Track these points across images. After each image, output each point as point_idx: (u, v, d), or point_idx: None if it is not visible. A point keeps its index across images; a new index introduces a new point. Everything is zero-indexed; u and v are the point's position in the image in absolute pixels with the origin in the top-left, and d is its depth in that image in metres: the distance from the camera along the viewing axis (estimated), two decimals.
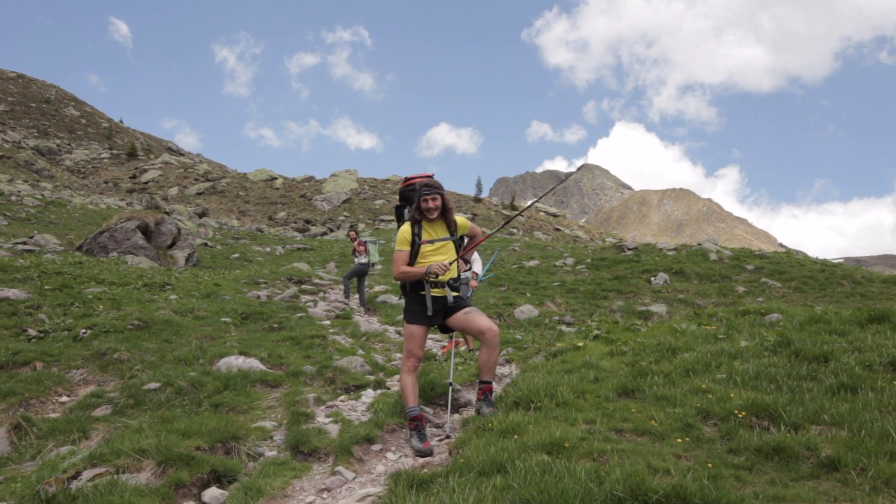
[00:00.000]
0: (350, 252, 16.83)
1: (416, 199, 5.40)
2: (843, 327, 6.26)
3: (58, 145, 72.61)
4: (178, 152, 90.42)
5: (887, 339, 5.65)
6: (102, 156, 73.00)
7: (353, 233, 17.78)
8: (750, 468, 3.56)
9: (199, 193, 59.39)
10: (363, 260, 16.24)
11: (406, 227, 5.45)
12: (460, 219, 5.65)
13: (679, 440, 3.97)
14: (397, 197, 5.71)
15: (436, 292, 5.39)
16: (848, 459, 3.47)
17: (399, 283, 5.65)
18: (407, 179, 5.83)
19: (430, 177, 5.64)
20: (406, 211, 5.70)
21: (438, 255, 5.41)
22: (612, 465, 3.47)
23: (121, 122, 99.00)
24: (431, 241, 5.41)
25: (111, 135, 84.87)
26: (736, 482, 3.30)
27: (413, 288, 5.46)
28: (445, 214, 5.48)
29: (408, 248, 5.39)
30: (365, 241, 16.60)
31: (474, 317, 5.36)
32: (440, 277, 5.36)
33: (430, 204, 5.38)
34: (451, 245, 5.50)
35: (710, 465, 3.47)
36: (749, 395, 4.46)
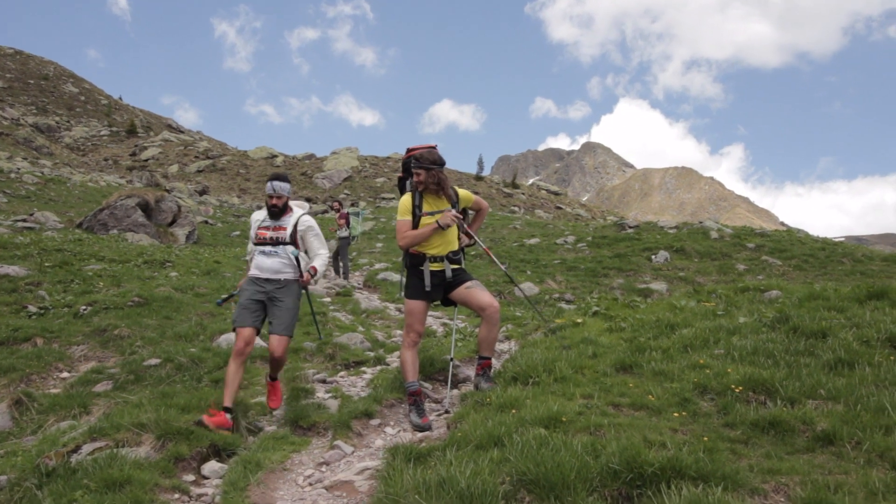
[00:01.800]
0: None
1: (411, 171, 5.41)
2: (842, 304, 6.26)
3: (57, 122, 72.28)
4: (178, 129, 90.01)
5: (886, 315, 5.65)
6: (102, 133, 72.70)
7: (336, 203, 17.37)
8: (746, 442, 3.57)
9: (199, 171, 59.21)
10: (343, 234, 16.09)
11: (407, 198, 5.41)
12: (464, 192, 5.61)
13: (676, 414, 3.99)
14: (400, 171, 5.61)
15: (434, 267, 5.34)
16: (843, 433, 3.48)
17: (401, 258, 5.61)
18: (409, 150, 5.76)
19: (433, 148, 5.58)
20: (408, 182, 5.66)
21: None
22: (608, 438, 3.49)
23: (120, 99, 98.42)
24: (431, 213, 5.36)
25: (110, 112, 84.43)
26: (731, 455, 3.32)
27: (412, 263, 5.42)
28: (441, 187, 5.41)
29: (409, 218, 5.34)
30: (347, 213, 16.36)
31: (476, 292, 5.33)
32: (439, 249, 5.31)
33: (422, 178, 5.34)
34: None
35: (706, 438, 3.48)
36: (746, 371, 4.47)
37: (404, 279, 5.57)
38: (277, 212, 5.62)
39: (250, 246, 5.77)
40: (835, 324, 5.43)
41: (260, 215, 5.74)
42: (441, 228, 5.22)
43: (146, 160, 61.45)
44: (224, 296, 6.30)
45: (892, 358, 4.58)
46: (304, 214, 5.70)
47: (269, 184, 5.68)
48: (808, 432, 3.61)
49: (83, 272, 12.98)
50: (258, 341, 8.44)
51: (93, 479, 3.90)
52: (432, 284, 5.31)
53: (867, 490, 2.87)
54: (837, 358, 4.61)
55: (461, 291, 5.34)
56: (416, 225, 5.33)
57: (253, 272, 5.60)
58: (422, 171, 5.31)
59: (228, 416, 5.08)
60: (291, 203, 5.79)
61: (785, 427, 3.65)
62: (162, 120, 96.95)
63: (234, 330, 5.44)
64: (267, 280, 5.51)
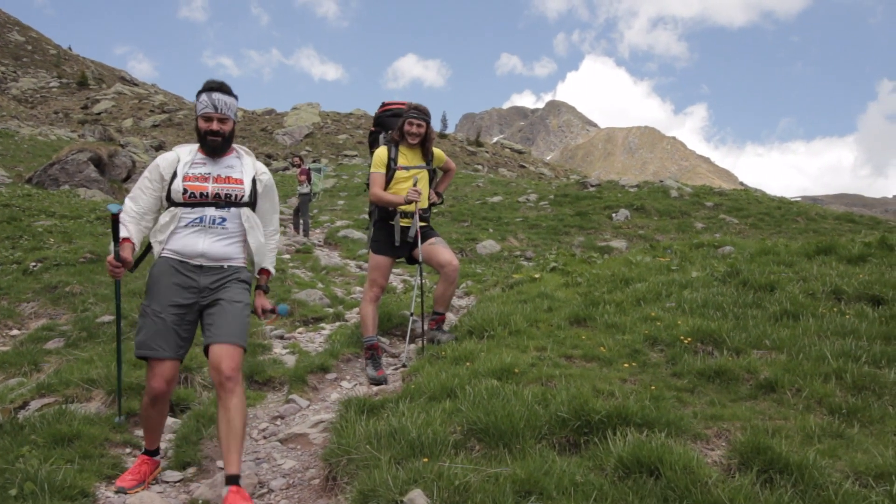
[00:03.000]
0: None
1: (401, 121, 5.27)
2: (792, 258, 6.43)
3: (2, 73, 69.17)
4: (132, 82, 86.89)
5: (832, 269, 5.82)
6: (51, 85, 69.84)
7: (296, 158, 17.06)
8: (692, 390, 3.66)
9: (154, 125, 57.48)
10: (304, 190, 15.86)
11: (382, 150, 5.30)
12: (437, 151, 5.55)
13: (626, 365, 4.06)
14: (372, 126, 5.79)
15: (404, 223, 5.29)
16: (785, 381, 3.59)
17: (368, 211, 5.51)
18: (385, 104, 5.67)
19: (404, 105, 5.54)
20: (382, 136, 5.55)
21: (408, 184, 5.29)
22: (559, 388, 3.54)
23: (69, 49, 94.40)
24: (407, 168, 5.28)
25: (59, 63, 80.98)
26: (677, 403, 3.40)
27: (381, 217, 5.34)
28: (425, 143, 5.37)
29: (383, 171, 5.24)
30: (308, 169, 16.09)
31: (439, 248, 5.30)
32: (410, 207, 5.24)
33: (414, 129, 5.24)
34: (425, 174, 5.38)
35: (653, 387, 3.56)
36: (695, 322, 4.57)
37: (372, 232, 5.46)
38: (219, 146, 3.50)
39: (162, 215, 3.50)
40: (783, 277, 5.57)
41: (184, 154, 3.53)
42: (406, 203, 5.17)
43: (98, 114, 59.36)
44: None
45: (835, 309, 4.73)
46: (256, 161, 3.72)
47: (204, 96, 3.47)
48: (751, 380, 3.72)
49: (32, 228, 12.58)
50: None
51: (41, 434, 3.82)
52: (401, 240, 5.26)
53: (804, 434, 2.97)
54: (783, 310, 4.74)
55: (425, 247, 5.30)
56: (389, 178, 5.25)
57: (172, 254, 3.44)
58: (424, 123, 5.26)
59: (156, 456, 3.66)
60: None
61: (730, 376, 3.76)
62: (115, 72, 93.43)
63: (143, 360, 3.40)
64: (201, 269, 3.43)
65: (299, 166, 16.34)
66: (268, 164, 47.88)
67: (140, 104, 63.73)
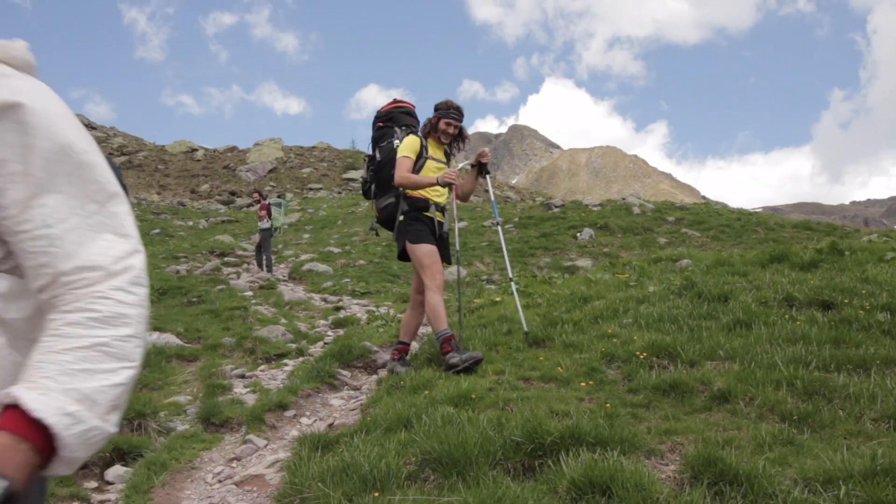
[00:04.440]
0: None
1: (436, 117, 5.12)
2: (746, 268, 6.52)
3: None
4: (91, 126, 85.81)
5: (784, 276, 5.91)
6: None
7: (256, 194, 16.81)
8: (647, 405, 3.66)
9: None
10: (265, 225, 15.71)
11: (415, 138, 5.10)
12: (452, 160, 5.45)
13: (583, 384, 4.05)
14: (373, 123, 5.54)
15: (439, 217, 5.15)
16: (738, 390, 3.61)
17: (396, 200, 5.20)
18: (396, 101, 5.55)
19: (413, 107, 5.51)
20: (399, 129, 5.33)
21: (439, 173, 5.08)
22: (515, 412, 3.50)
23: None
24: (437, 160, 5.15)
25: None
26: (632, 419, 3.38)
27: (415, 207, 5.08)
28: (451, 145, 5.25)
29: (413, 157, 5.01)
30: (269, 204, 15.97)
31: (438, 266, 5.03)
32: (440, 198, 5.05)
33: (451, 129, 5.12)
34: (445, 169, 5.19)
35: (608, 405, 3.54)
36: (651, 337, 4.58)
37: (404, 224, 5.12)
38: None
39: None
40: (737, 287, 5.64)
41: None
42: (438, 185, 5.00)
43: None
44: None
45: (786, 316, 4.79)
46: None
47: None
48: (706, 392, 3.73)
49: None
50: (173, 339, 8.17)
51: None
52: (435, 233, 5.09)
53: (755, 443, 2.97)
54: (736, 319, 4.79)
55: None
56: (420, 167, 5.05)
57: None
58: (460, 127, 5.17)
59: None
60: None
61: (684, 388, 3.76)
62: None
63: None
64: None
65: (259, 201, 16.19)
66: (231, 202, 47.51)
67: (99, 147, 62.89)
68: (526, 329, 5.16)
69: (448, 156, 5.32)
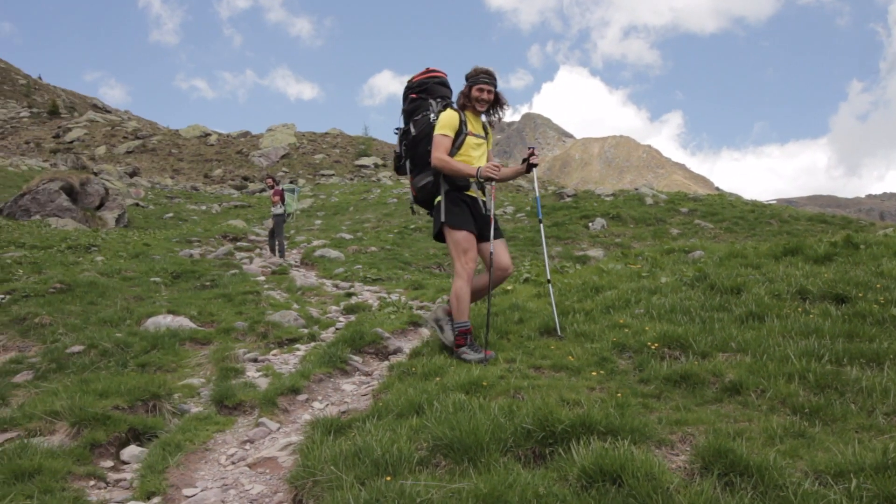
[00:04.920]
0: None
1: (467, 86, 4.85)
2: (759, 261, 6.49)
3: None
4: (105, 109, 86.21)
5: (798, 269, 5.88)
6: (21, 115, 69.08)
7: (269, 180, 16.84)
8: (658, 396, 3.67)
9: (128, 152, 57.00)
10: (278, 210, 15.79)
11: (453, 113, 4.77)
12: (490, 131, 5.12)
13: (594, 373, 4.06)
14: (404, 94, 5.19)
15: (481, 196, 4.90)
16: (750, 383, 3.61)
17: (422, 184, 4.94)
18: (429, 70, 5.17)
19: (446, 76, 5.20)
20: (434, 101, 5.01)
21: (479, 153, 4.87)
22: (526, 400, 3.53)
23: (39, 78, 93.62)
24: (476, 135, 4.86)
25: (30, 92, 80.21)
26: (643, 409, 3.40)
27: (456, 186, 4.84)
28: (489, 113, 4.96)
29: (451, 135, 4.72)
30: (282, 190, 16.03)
31: (502, 248, 4.86)
32: (492, 177, 4.68)
33: (485, 95, 4.81)
34: (485, 146, 4.99)
35: (619, 394, 3.55)
36: (663, 328, 4.58)
37: (442, 202, 4.86)
38: None
39: None
40: (750, 280, 5.62)
41: None
42: (477, 179, 4.70)
43: (71, 142, 58.78)
44: None
45: (799, 310, 4.78)
46: None
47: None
48: (717, 384, 3.73)
49: (1, 260, 12.37)
50: (187, 322, 8.25)
51: (0, 470, 3.73)
52: (476, 214, 4.87)
53: (766, 435, 2.98)
54: (749, 312, 4.78)
55: (496, 242, 4.87)
56: (458, 144, 4.77)
57: None
58: (494, 91, 4.86)
59: None
60: None
61: (696, 380, 3.76)
62: (87, 100, 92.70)
63: None
64: None
65: (272, 187, 16.26)
66: (244, 187, 47.67)
67: (113, 131, 63.24)
68: (560, 334, 4.98)
69: (486, 129, 5.02)
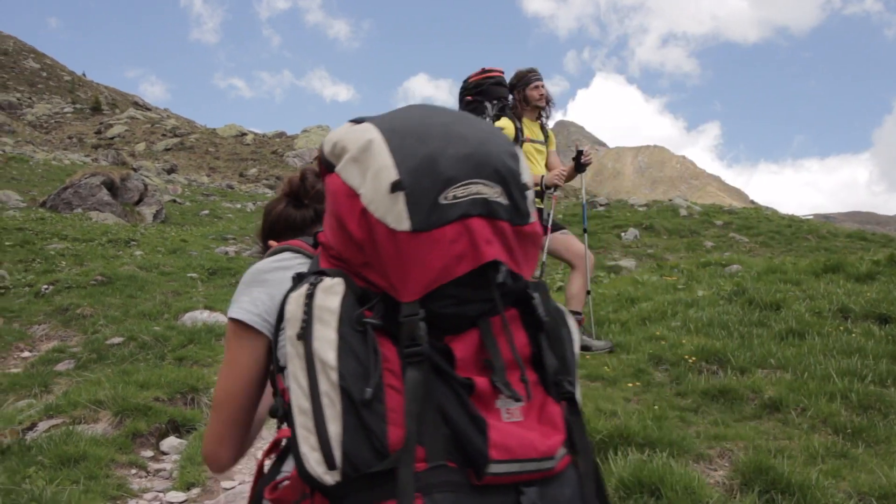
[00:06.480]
0: None
1: (522, 87, 4.71)
2: (799, 277, 6.40)
3: (18, 99, 70.31)
4: (145, 107, 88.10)
5: (839, 287, 5.79)
6: (65, 110, 70.92)
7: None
8: (696, 410, 3.65)
9: (167, 149, 58.15)
10: None
11: (507, 122, 4.59)
12: (549, 131, 4.98)
13: (630, 385, 4.05)
14: (460, 95, 4.84)
15: (539, 204, 4.72)
16: (790, 400, 3.58)
17: None
18: (485, 71, 4.82)
19: (503, 74, 4.90)
20: (492, 105, 4.69)
21: (539, 158, 4.73)
22: None
23: (83, 75, 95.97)
24: (533, 141, 4.72)
25: (74, 88, 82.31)
26: (680, 423, 3.39)
27: None
28: (541, 112, 4.79)
29: None
30: None
31: (572, 238, 4.78)
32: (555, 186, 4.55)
33: (543, 91, 4.64)
34: (545, 152, 4.84)
35: (656, 407, 3.55)
36: (700, 341, 4.55)
37: None
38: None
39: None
40: (789, 296, 5.54)
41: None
42: (540, 187, 4.56)
43: (112, 138, 60.16)
44: None
45: (841, 328, 4.71)
46: None
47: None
48: (756, 400, 3.70)
49: (45, 251, 12.72)
50: (222, 318, 8.39)
51: (47, 455, 3.85)
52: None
53: (808, 454, 2.96)
54: (789, 328, 4.72)
55: (558, 237, 4.77)
56: None
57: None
58: (543, 83, 4.69)
59: None
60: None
61: (734, 395, 3.74)
62: (128, 97, 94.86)
63: None
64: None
65: None
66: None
67: (152, 128, 64.59)
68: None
69: (544, 130, 4.88)
